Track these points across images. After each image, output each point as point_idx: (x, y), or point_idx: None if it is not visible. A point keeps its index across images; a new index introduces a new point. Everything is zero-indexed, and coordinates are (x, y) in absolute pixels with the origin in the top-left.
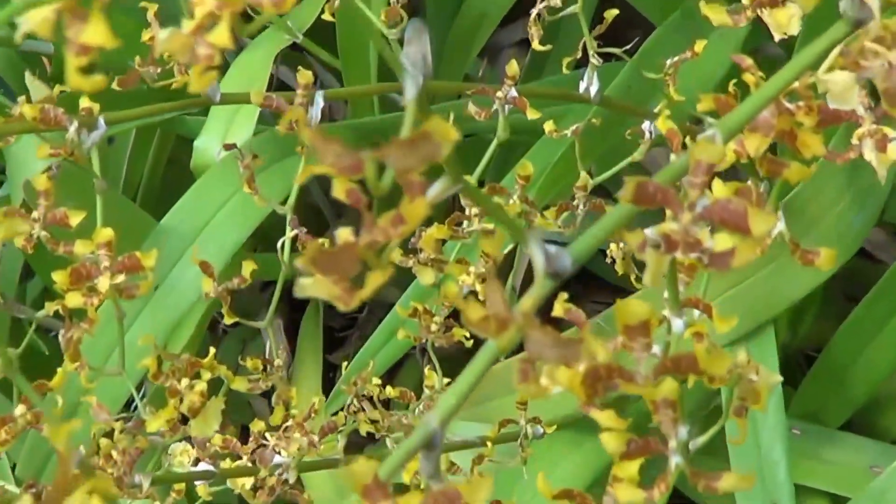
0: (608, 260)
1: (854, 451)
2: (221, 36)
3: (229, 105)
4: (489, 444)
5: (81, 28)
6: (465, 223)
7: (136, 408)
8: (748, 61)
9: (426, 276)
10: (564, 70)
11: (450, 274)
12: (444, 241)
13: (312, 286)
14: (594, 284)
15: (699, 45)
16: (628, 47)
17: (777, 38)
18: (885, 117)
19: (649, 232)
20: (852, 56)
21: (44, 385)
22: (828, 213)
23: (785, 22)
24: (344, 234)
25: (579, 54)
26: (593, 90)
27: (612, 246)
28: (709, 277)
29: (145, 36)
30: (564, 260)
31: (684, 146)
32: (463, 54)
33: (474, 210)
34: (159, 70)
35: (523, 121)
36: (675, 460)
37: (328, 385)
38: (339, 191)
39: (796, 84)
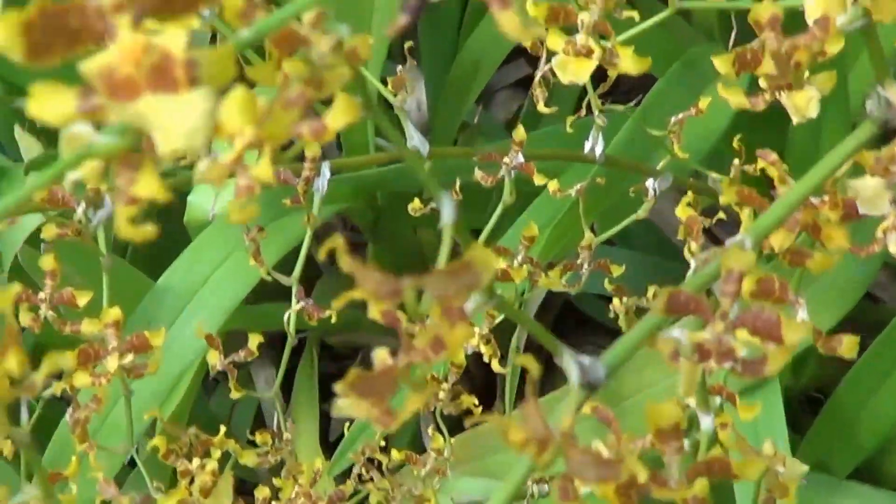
0: (611, 315)
1: (862, 502)
2: (264, 170)
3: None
4: None
5: (132, 178)
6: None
7: (134, 464)
8: (772, 156)
9: None
10: (568, 129)
11: None
12: None
13: (350, 407)
14: (590, 325)
15: (703, 102)
16: (632, 104)
17: (795, 121)
18: None
19: (682, 338)
20: (882, 162)
21: (58, 475)
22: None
23: (803, 105)
24: (381, 356)
25: (583, 112)
26: (598, 150)
27: (616, 300)
28: None
29: None
30: (598, 370)
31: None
32: (459, 101)
33: None
34: None
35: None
36: None
37: (323, 435)
38: (375, 312)
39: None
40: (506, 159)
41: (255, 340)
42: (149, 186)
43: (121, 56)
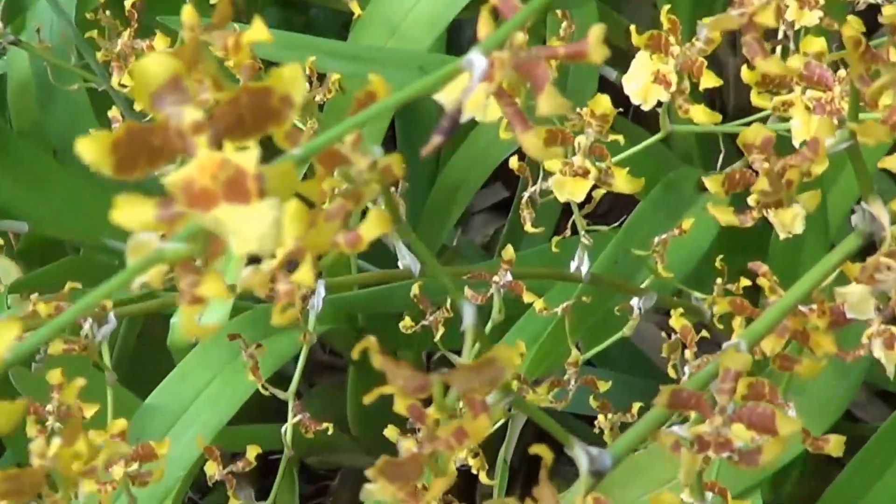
0: (595, 430)
1: None
2: (305, 275)
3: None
4: None
5: (196, 281)
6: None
7: None
8: (764, 268)
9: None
10: (554, 249)
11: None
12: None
13: (379, 491)
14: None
15: (686, 223)
16: (615, 225)
17: (782, 236)
18: (892, 318)
19: (682, 432)
20: (868, 270)
21: None
22: (814, 380)
23: (789, 221)
24: (408, 445)
25: (568, 233)
26: (584, 269)
27: (601, 416)
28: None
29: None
30: (605, 460)
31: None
32: (439, 224)
33: None
34: None
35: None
36: None
37: None
38: (401, 406)
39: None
40: (495, 277)
41: (252, 452)
42: (214, 288)
43: (199, 170)
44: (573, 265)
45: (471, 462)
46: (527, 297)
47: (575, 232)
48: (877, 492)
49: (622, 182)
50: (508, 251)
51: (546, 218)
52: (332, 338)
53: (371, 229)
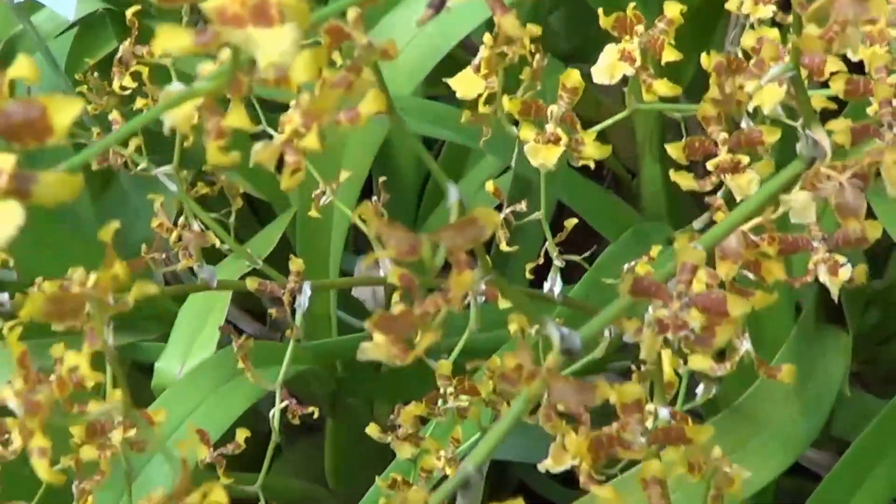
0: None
1: None
2: (312, 141)
3: (189, 328)
4: None
5: (219, 119)
6: (441, 402)
7: None
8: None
9: (404, 451)
10: (527, 275)
11: (427, 449)
12: (423, 420)
13: (373, 349)
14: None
15: (654, 251)
16: (587, 254)
17: (738, 198)
18: (836, 247)
19: (645, 315)
20: (810, 178)
21: (85, 491)
22: (776, 417)
23: (745, 185)
24: (398, 307)
25: (541, 260)
26: (556, 290)
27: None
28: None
29: (154, 223)
30: (575, 340)
31: None
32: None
33: (450, 389)
34: (164, 256)
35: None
36: None
37: None
38: (394, 277)
39: (761, 219)
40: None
41: (241, 434)
42: (238, 119)
43: None
44: (546, 286)
45: (448, 471)
46: (502, 304)
47: (549, 260)
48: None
49: (591, 149)
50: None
51: (527, 252)
52: (312, 384)
53: (369, 106)
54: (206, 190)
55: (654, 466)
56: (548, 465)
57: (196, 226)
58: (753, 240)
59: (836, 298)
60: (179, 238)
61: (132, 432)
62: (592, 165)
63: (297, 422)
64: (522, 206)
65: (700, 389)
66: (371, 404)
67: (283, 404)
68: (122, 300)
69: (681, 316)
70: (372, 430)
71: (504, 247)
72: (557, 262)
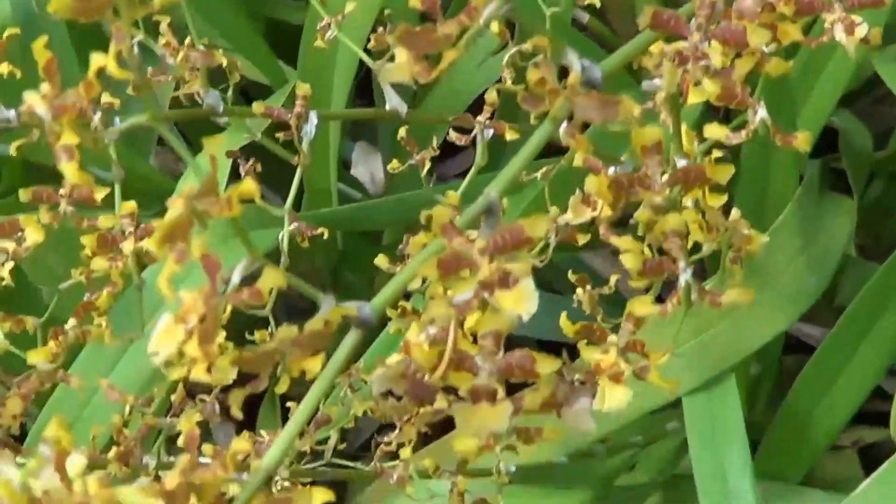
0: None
1: None
2: None
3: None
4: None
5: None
6: None
7: None
8: None
9: (414, 283)
10: (533, 121)
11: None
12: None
13: (395, 69)
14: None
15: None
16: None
17: None
18: (852, 7)
19: (666, 49)
20: None
21: (90, 305)
22: (784, 272)
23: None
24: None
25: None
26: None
27: (579, 290)
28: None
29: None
30: (595, 72)
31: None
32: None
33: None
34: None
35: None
36: (684, 277)
37: None
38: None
39: None
40: (479, 118)
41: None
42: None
43: None
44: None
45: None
46: (510, 135)
47: None
48: (849, 374)
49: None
50: (492, 95)
51: None
52: (314, 273)
53: None
54: None
55: (674, 220)
56: (567, 218)
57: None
58: (770, 2)
59: (852, 56)
60: (186, 59)
61: (143, 243)
62: None
63: (306, 244)
64: None
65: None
66: (371, 281)
67: (293, 226)
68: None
69: (700, 48)
70: (380, 260)
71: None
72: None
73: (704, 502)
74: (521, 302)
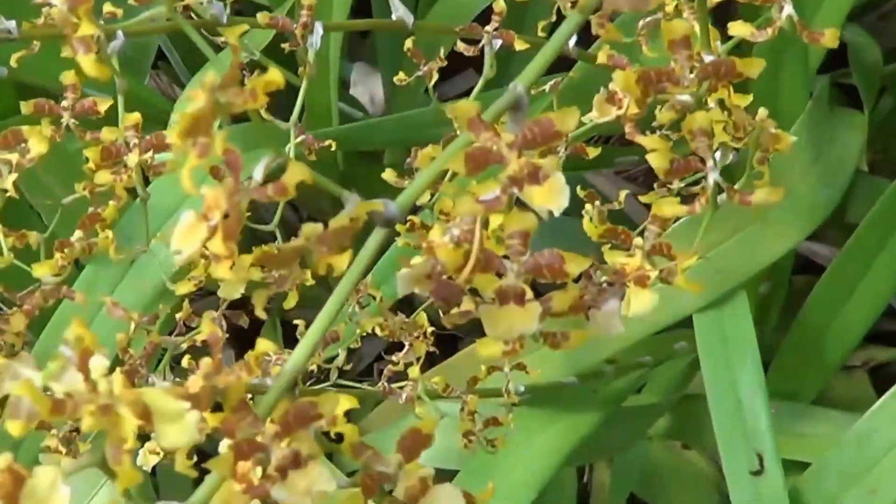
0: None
1: (828, 423)
2: None
3: None
4: (474, 396)
5: None
6: None
7: None
8: None
9: (423, 197)
10: (540, 33)
11: (444, 192)
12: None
13: None
14: None
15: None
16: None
17: None
18: None
19: None
20: None
21: (97, 216)
22: (799, 184)
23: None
24: None
25: (553, 17)
26: (571, 42)
27: (588, 206)
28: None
29: None
30: None
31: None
32: (414, 91)
33: None
34: None
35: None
36: (713, 176)
37: None
38: None
39: None
40: (487, 27)
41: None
42: None
43: None
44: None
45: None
46: (518, 45)
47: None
48: (862, 291)
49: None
50: (499, 3)
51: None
52: (315, 194)
53: None
54: None
55: (702, 118)
56: (592, 116)
57: None
58: None
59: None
60: None
61: (148, 155)
62: None
63: (313, 158)
64: None
65: (718, 156)
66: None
67: (300, 138)
68: None
69: None
70: (388, 174)
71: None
72: (569, 13)
73: (717, 422)
74: (552, 197)
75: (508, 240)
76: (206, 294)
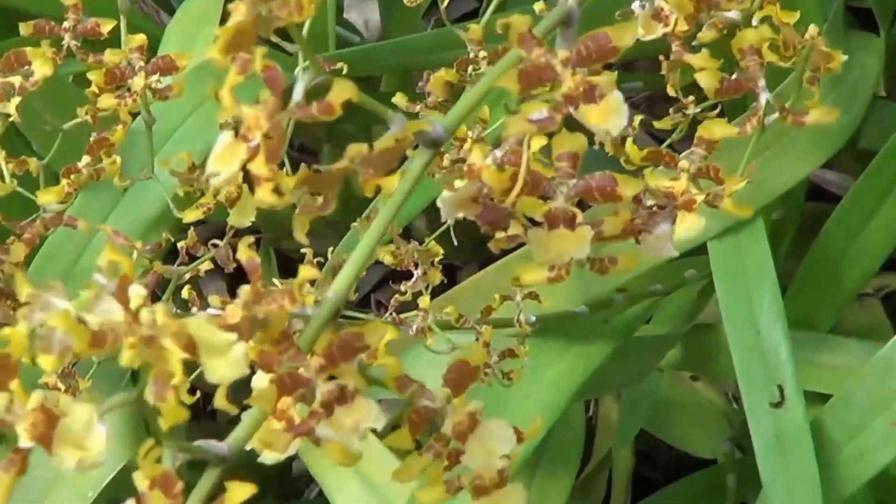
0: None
1: (846, 354)
2: None
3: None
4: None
5: None
6: (472, 68)
7: None
8: None
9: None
10: None
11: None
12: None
13: None
14: None
15: None
16: None
17: None
18: None
19: None
20: None
21: (104, 141)
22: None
23: None
24: None
25: None
26: None
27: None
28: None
29: None
30: None
31: None
32: (411, 16)
33: (482, 53)
34: None
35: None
36: (764, 95)
37: None
38: None
39: None
40: None
41: None
42: None
43: None
44: None
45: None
46: None
47: None
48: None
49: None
50: None
51: None
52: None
53: None
54: None
55: (753, 35)
56: (639, 34)
57: None
58: None
59: None
60: None
61: (153, 79)
62: None
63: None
64: None
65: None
66: (368, 129)
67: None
68: None
69: None
70: (399, 99)
71: None
72: None
73: (736, 353)
74: (610, 116)
75: (557, 162)
76: (197, 223)
